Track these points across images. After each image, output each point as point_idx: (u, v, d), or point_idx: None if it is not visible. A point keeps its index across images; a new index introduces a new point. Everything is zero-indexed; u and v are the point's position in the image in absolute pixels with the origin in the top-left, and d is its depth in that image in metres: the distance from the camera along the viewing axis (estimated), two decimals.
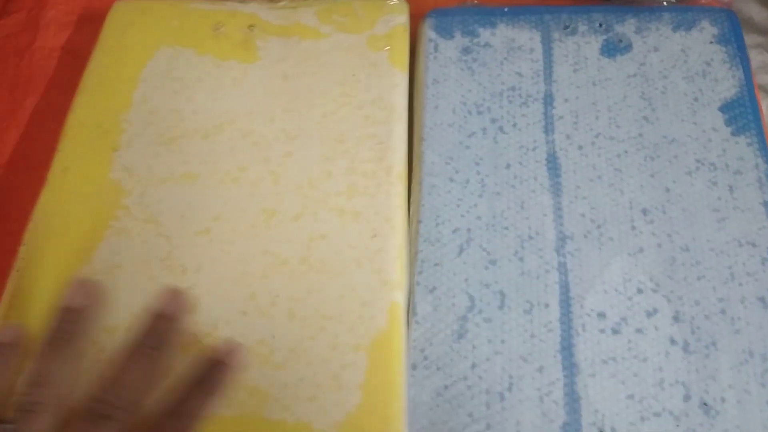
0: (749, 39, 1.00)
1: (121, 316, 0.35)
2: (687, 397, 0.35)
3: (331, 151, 0.40)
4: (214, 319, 0.36)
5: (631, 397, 0.35)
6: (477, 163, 0.41)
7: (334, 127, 0.41)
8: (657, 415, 0.34)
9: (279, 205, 0.39)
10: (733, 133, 0.41)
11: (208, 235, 0.38)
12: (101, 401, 0.25)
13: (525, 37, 0.44)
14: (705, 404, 0.34)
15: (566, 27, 0.44)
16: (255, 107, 0.42)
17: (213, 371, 0.27)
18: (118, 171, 0.40)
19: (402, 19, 0.44)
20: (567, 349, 0.36)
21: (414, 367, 0.36)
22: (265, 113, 0.42)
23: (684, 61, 0.43)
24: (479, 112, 0.42)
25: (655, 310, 0.37)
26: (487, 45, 0.44)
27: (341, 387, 0.34)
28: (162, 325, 0.28)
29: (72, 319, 0.28)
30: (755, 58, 1.02)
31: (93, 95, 0.42)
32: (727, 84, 0.42)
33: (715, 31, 0.44)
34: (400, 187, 0.40)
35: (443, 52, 0.44)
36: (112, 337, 0.34)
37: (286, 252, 0.37)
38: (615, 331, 0.36)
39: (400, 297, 0.36)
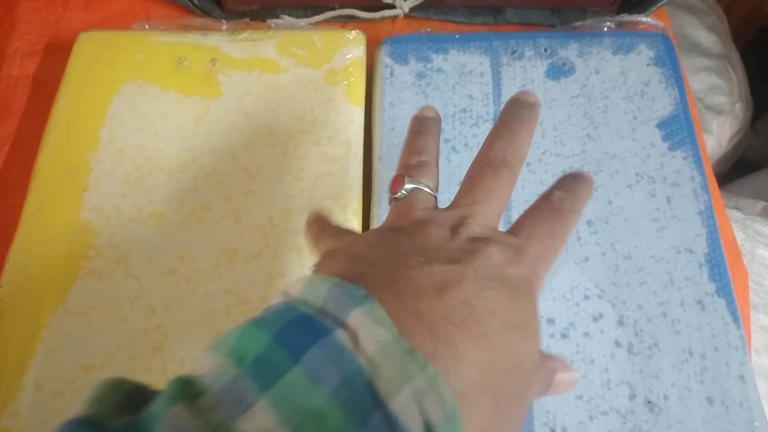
0: (698, 62, 1.05)
1: (95, 355, 0.36)
2: (632, 396, 0.37)
3: (290, 189, 0.42)
4: (181, 357, 0.37)
5: (580, 397, 0.37)
6: None
7: (293, 165, 0.42)
8: (605, 413, 0.36)
9: (240, 244, 0.40)
10: (669, 148, 0.43)
11: (174, 275, 0.39)
12: (504, 150, 0.27)
13: (475, 62, 0.47)
14: (649, 402, 0.37)
15: (513, 52, 0.47)
16: (217, 145, 0.43)
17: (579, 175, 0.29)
18: (88, 211, 0.41)
19: (359, 51, 0.46)
20: None
21: None
22: (227, 151, 0.43)
23: (623, 82, 0.46)
24: None
25: (601, 315, 0.39)
26: (439, 70, 0.46)
27: None
28: (529, 107, 0.28)
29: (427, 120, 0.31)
30: (704, 80, 1.06)
31: (61, 134, 0.43)
32: (663, 102, 0.45)
33: (651, 54, 0.47)
34: (356, 223, 0.41)
35: (398, 77, 0.46)
36: (87, 375, 0.36)
37: (247, 291, 0.39)
38: (564, 336, 0.38)
39: None
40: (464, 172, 0.43)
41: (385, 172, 0.43)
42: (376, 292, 0.20)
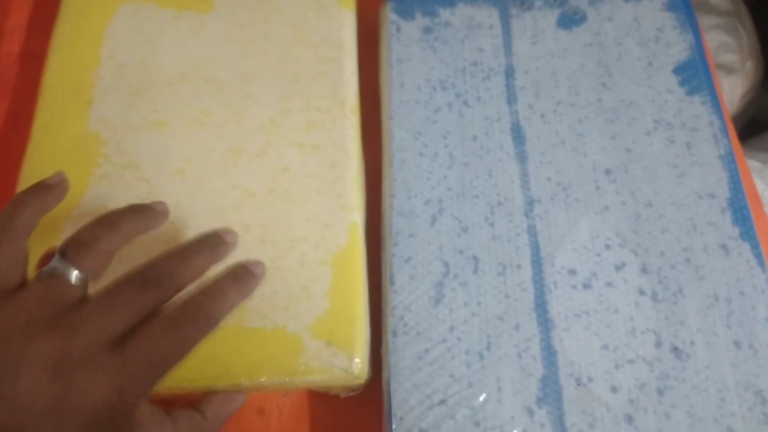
0: (707, 20, 1.03)
1: None
2: (658, 344, 0.36)
3: (288, 91, 0.43)
4: None
5: (605, 347, 0.36)
6: (444, 137, 0.42)
7: (290, 68, 0.44)
8: (631, 362, 0.36)
9: (244, 144, 0.42)
10: (687, 94, 0.42)
11: (182, 175, 0.41)
12: (162, 272, 0.29)
13: (483, 14, 0.46)
14: (676, 348, 0.36)
15: (523, 2, 0.46)
16: (214, 55, 0.44)
17: (240, 270, 0.32)
18: (95, 123, 0.42)
19: None
20: (541, 306, 0.37)
21: (394, 334, 0.37)
22: (224, 59, 0.44)
23: (637, 29, 0.45)
24: (444, 88, 0.43)
25: (623, 264, 0.38)
26: (447, 24, 0.45)
27: (310, 296, 0.37)
28: (216, 239, 0.33)
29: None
30: (714, 38, 1.04)
31: (63, 55, 0.45)
32: (678, 48, 0.44)
33: None
34: (354, 120, 0.43)
35: (405, 32, 0.45)
36: (110, 268, 0.36)
37: (254, 185, 0.40)
38: (586, 286, 0.38)
39: (358, 217, 0.40)
40: (477, 127, 0.42)
41: (396, 130, 0.42)
42: None
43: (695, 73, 0.43)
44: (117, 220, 0.32)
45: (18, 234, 0.29)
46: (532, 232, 0.39)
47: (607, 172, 0.41)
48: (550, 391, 0.35)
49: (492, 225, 0.39)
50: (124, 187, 0.40)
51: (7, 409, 0.24)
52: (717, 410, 0.34)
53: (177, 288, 0.29)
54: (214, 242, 0.33)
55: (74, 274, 0.28)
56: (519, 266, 0.38)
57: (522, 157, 0.41)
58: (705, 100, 0.42)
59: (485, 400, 0.35)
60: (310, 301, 0.37)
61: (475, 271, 0.38)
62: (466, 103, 0.43)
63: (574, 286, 0.38)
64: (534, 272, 0.38)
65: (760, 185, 0.86)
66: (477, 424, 0.34)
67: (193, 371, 0.34)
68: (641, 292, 0.37)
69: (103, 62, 0.44)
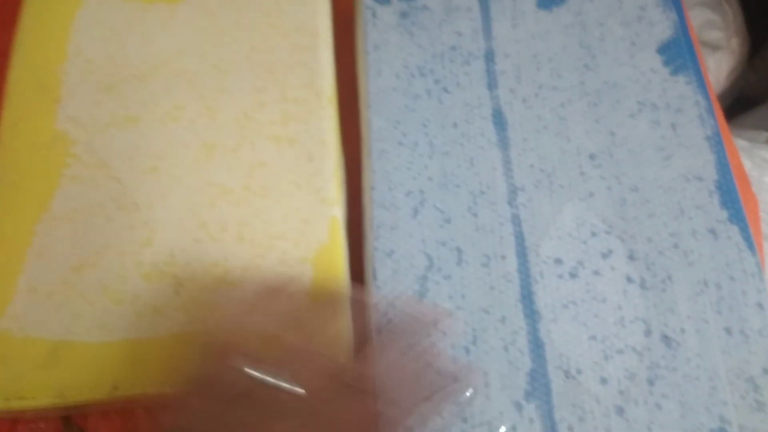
0: None
1: (85, 255, 0.37)
2: (648, 332, 0.35)
3: (263, 82, 0.42)
4: (170, 249, 0.37)
5: (593, 337, 0.35)
6: (424, 125, 0.41)
7: (264, 58, 0.42)
8: (620, 352, 0.35)
9: (218, 139, 0.40)
10: (671, 73, 0.41)
11: (155, 173, 0.39)
12: None
13: None
14: (666, 337, 0.35)
15: None
16: (185, 46, 0.43)
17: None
18: (64, 122, 0.41)
19: None
20: (527, 297, 0.36)
21: (378, 331, 0.36)
22: (196, 51, 0.43)
23: (619, 8, 0.43)
24: (422, 74, 0.42)
25: (610, 251, 0.37)
26: (424, 8, 0.44)
27: (292, 294, 0.35)
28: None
29: None
30: (698, 15, 1.03)
31: (28, 51, 0.43)
32: (662, 26, 0.43)
33: None
34: (331, 110, 0.41)
35: (381, 18, 0.44)
36: (79, 274, 0.37)
37: (230, 182, 0.39)
38: (573, 275, 0.37)
39: (338, 212, 0.39)
40: (458, 114, 0.41)
41: (374, 119, 0.41)
42: None
43: (679, 52, 0.42)
44: None
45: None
46: (516, 221, 0.38)
47: (592, 156, 0.39)
48: (538, 385, 0.34)
49: (475, 215, 0.38)
50: (95, 188, 0.39)
51: None
52: (709, 399, 0.34)
53: None
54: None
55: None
56: (504, 257, 0.37)
57: (504, 144, 0.40)
58: (690, 79, 0.41)
59: (472, 395, 0.34)
60: (288, 299, 0.35)
61: (459, 263, 0.37)
62: (445, 89, 0.42)
63: (560, 276, 0.37)
64: (519, 263, 0.37)
65: (747, 164, 0.85)
66: (464, 420, 0.33)
67: (172, 376, 0.33)
68: (629, 280, 0.36)
69: (70, 58, 0.43)
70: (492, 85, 0.42)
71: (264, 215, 0.38)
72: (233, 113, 0.41)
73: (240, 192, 0.39)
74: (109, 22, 0.44)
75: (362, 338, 0.37)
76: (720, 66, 0.99)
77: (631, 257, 0.37)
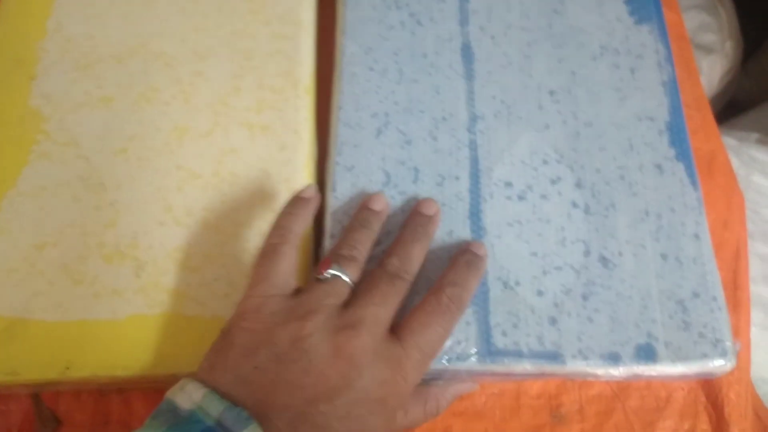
0: (687, 0, 1.03)
1: (48, 233, 0.37)
2: (587, 253, 0.37)
3: (240, 69, 0.42)
4: (133, 231, 0.37)
5: (534, 254, 0.37)
6: (395, 54, 0.43)
7: (243, 45, 0.42)
8: (558, 269, 0.36)
9: (190, 123, 0.40)
10: (635, 23, 0.43)
11: (125, 155, 0.39)
12: (398, 266, 0.34)
13: None
14: (604, 258, 0.37)
15: None
16: (166, 29, 0.43)
17: (471, 257, 0.36)
18: (37, 98, 0.41)
19: None
20: (475, 215, 0.38)
21: (332, 236, 0.37)
22: (176, 34, 0.43)
23: None
24: (398, 7, 0.44)
25: (559, 178, 0.39)
26: None
27: None
28: (425, 220, 0.37)
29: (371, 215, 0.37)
30: (693, 17, 1.05)
31: (8, 26, 0.43)
32: None
33: None
34: (308, 100, 0.41)
35: None
36: (41, 252, 0.37)
37: (199, 167, 0.39)
38: (521, 198, 0.38)
39: None
40: (428, 46, 0.43)
41: (348, 44, 0.43)
42: (262, 415, 0.28)
43: (645, 3, 0.43)
44: (365, 226, 0.36)
45: (292, 247, 0.35)
46: (473, 146, 0.40)
47: (551, 92, 0.41)
48: (477, 292, 0.36)
49: (435, 139, 0.40)
50: (64, 166, 0.39)
51: (311, 382, 0.29)
52: (639, 316, 0.35)
53: (414, 274, 0.35)
54: (421, 225, 0.36)
55: (348, 279, 0.33)
56: (457, 178, 0.39)
57: (469, 76, 0.42)
58: (652, 29, 0.43)
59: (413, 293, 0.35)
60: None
61: (415, 181, 0.39)
62: (419, 22, 0.44)
63: (509, 198, 0.38)
64: (471, 183, 0.39)
65: (735, 163, 0.86)
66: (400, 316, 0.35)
67: (128, 359, 0.34)
68: (574, 205, 0.38)
69: (50, 34, 0.43)
70: (463, 21, 0.44)
71: (231, 202, 0.38)
72: (208, 98, 0.41)
73: (208, 177, 0.39)
74: (91, 0, 0.44)
75: None
76: (713, 69, 1.00)
77: (579, 185, 0.39)
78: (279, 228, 0.36)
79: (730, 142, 0.92)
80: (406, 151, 0.40)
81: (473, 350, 0.34)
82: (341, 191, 0.39)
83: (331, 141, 0.41)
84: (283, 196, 0.38)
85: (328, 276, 0.33)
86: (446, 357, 0.34)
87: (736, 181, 0.44)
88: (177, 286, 0.36)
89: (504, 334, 0.35)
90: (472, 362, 0.34)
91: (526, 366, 0.34)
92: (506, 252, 0.37)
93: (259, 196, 0.38)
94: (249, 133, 0.40)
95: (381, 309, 0.32)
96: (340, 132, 0.40)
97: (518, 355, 0.34)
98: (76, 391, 0.38)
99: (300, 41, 0.43)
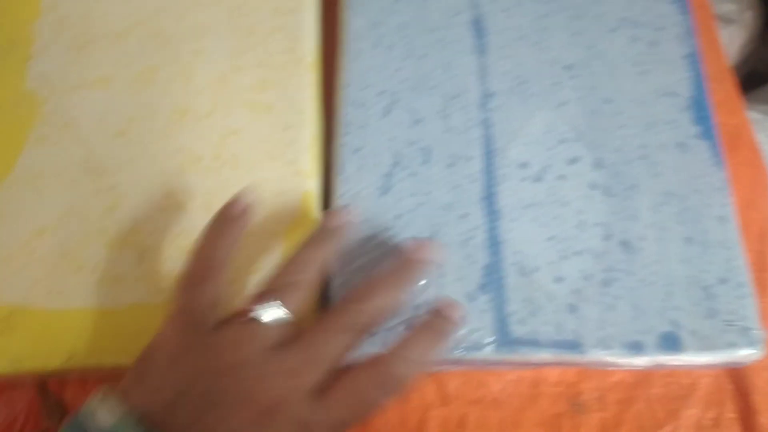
0: None
1: (47, 219, 0.36)
2: (607, 237, 0.35)
3: (241, 45, 0.40)
4: (134, 217, 0.36)
5: (551, 238, 0.35)
6: (403, 28, 0.41)
7: (244, 21, 0.41)
8: (578, 254, 0.35)
9: (191, 103, 0.39)
10: None
11: (123, 137, 0.38)
12: (352, 312, 0.29)
13: None
14: (625, 242, 0.35)
15: None
16: (163, 5, 0.41)
17: (437, 320, 0.30)
18: (33, 80, 0.40)
19: None
20: (489, 197, 0.36)
21: None
22: (174, 11, 0.41)
23: None
24: None
25: (577, 158, 0.37)
26: None
27: (261, 269, 0.35)
28: (410, 268, 0.32)
29: (330, 230, 0.33)
30: None
31: (2, 7, 0.42)
32: None
33: None
34: (312, 77, 0.40)
35: None
36: (40, 238, 0.36)
37: (200, 149, 0.38)
38: (537, 179, 0.37)
39: (312, 186, 0.37)
40: (438, 20, 0.41)
41: (353, 19, 0.41)
42: None
43: None
44: (316, 242, 0.32)
45: (216, 274, 0.30)
46: (486, 124, 0.38)
47: (568, 67, 0.39)
48: (492, 279, 0.34)
49: (445, 117, 0.38)
50: (62, 150, 0.38)
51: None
52: (662, 304, 0.33)
53: (368, 331, 0.30)
54: (402, 276, 0.32)
55: (274, 316, 0.29)
56: (470, 158, 0.37)
57: (481, 50, 0.40)
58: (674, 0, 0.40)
59: (426, 284, 0.34)
60: (260, 274, 0.35)
61: (425, 162, 0.37)
62: None
63: (524, 179, 0.37)
64: (485, 164, 0.37)
65: (761, 137, 0.84)
66: (417, 307, 0.34)
67: (131, 347, 0.31)
68: (593, 186, 0.36)
69: (44, 14, 0.41)
70: None
71: (234, 186, 0.36)
72: (208, 77, 0.39)
73: (210, 161, 0.37)
74: None
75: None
76: (733, 39, 0.97)
77: (598, 165, 0.37)
78: (201, 256, 0.31)
79: (755, 116, 0.89)
80: (416, 131, 0.38)
81: (489, 339, 0.33)
82: (347, 174, 0.37)
83: (336, 121, 0.39)
84: (288, 179, 0.37)
85: (255, 317, 0.29)
86: (462, 347, 0.33)
87: (760, 157, 0.42)
88: (180, 272, 0.35)
89: (521, 322, 0.33)
90: (489, 352, 0.33)
91: (544, 355, 0.33)
92: (522, 237, 0.35)
93: (262, 179, 0.37)
94: (251, 112, 0.38)
95: (313, 369, 0.28)
96: (345, 112, 0.39)
97: (536, 344, 0.33)
98: (82, 379, 0.37)
99: (303, 16, 0.41)
